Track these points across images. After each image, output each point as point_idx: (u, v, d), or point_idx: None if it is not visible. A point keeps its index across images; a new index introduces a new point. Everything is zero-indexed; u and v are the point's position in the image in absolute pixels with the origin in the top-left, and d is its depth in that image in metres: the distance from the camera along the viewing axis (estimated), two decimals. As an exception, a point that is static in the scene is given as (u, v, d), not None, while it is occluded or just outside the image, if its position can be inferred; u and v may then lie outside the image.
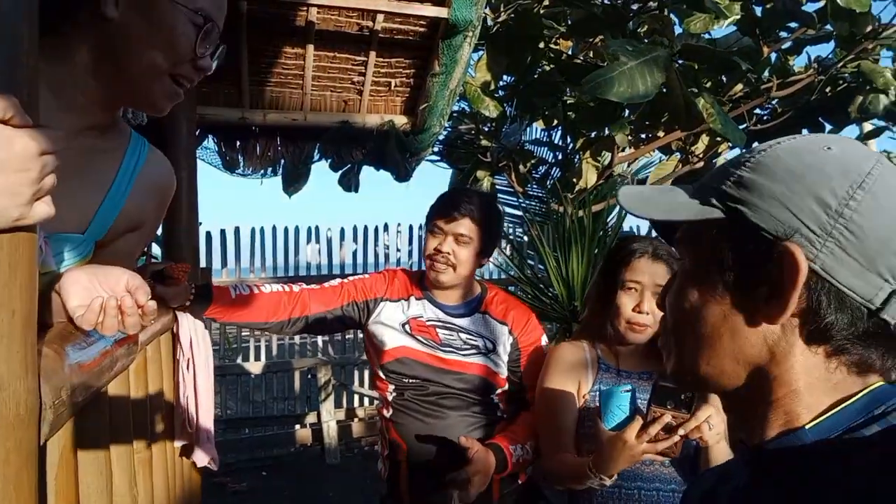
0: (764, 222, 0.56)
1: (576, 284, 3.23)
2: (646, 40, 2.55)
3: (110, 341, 1.02)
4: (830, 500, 0.52)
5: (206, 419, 1.87)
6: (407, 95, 3.31)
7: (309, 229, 6.48)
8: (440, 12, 2.77)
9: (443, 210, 1.89)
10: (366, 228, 6.72)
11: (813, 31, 3.06)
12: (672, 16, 3.34)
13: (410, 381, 1.93)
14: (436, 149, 4.42)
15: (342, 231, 6.64)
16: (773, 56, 3.79)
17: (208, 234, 5.94)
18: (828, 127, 4.50)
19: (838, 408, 0.57)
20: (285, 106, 3.20)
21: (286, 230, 6.42)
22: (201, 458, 1.87)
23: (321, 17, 2.85)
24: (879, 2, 3.24)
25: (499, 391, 1.95)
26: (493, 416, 1.93)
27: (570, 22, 3.40)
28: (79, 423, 0.99)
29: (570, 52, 4.00)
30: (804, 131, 4.56)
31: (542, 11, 3.52)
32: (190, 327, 1.85)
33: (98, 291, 0.87)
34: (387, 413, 2.00)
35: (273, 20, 2.81)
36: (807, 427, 0.58)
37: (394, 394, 1.96)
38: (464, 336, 1.93)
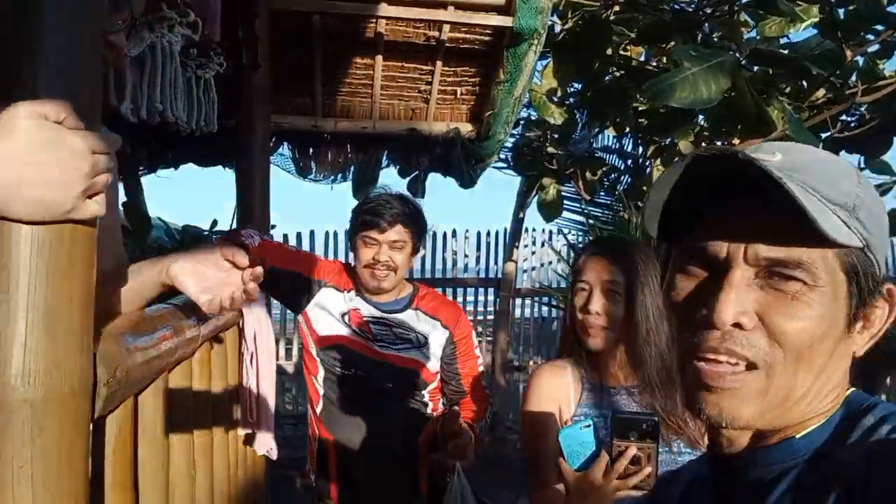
0: (878, 259, 0.58)
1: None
2: (712, 48, 2.48)
3: (169, 328, 1.11)
4: None
5: (267, 410, 1.97)
6: (472, 103, 3.36)
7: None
8: (505, 21, 2.81)
9: (372, 222, 1.93)
10: (434, 234, 6.81)
11: (901, 32, 2.88)
12: (749, 19, 3.23)
13: (344, 371, 2.00)
14: (502, 156, 4.44)
15: (416, 236, 6.75)
16: (861, 60, 3.58)
17: (285, 237, 6.19)
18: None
19: (825, 418, 0.59)
20: (355, 114, 3.32)
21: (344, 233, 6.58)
22: (261, 447, 1.98)
23: (390, 29, 2.94)
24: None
25: (430, 387, 2.03)
26: (423, 411, 2.01)
27: (639, 28, 3.34)
28: (140, 404, 1.09)
29: (641, 59, 3.93)
30: (895, 140, 4.27)
31: (611, 17, 3.48)
32: (255, 322, 1.95)
33: (207, 279, 1.13)
34: (317, 408, 2.07)
35: (344, 33, 2.93)
36: (798, 437, 0.59)
37: (323, 380, 2.03)
38: (397, 331, 2.00)
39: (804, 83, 3.35)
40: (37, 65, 0.67)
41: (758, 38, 3.22)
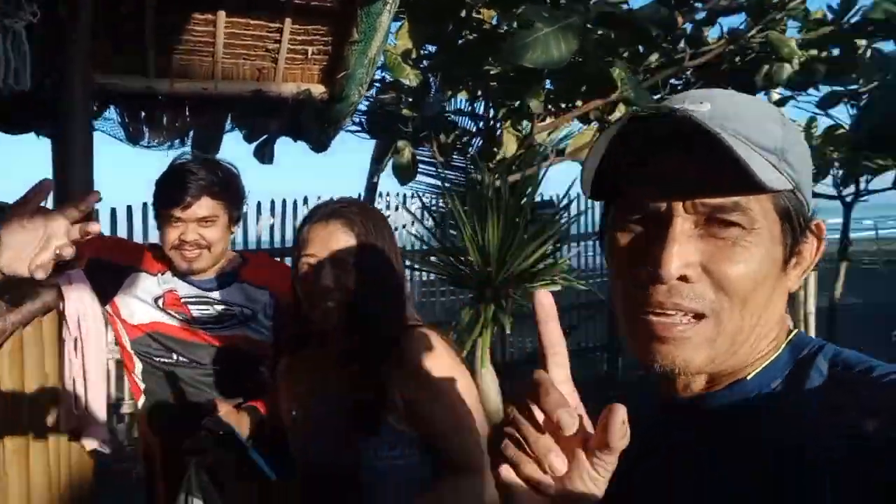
0: (808, 196, 0.60)
1: (491, 251, 3.27)
2: (560, 9, 2.57)
3: None
4: (783, 455, 0.55)
5: (97, 401, 1.77)
6: (325, 64, 3.19)
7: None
8: (358, -23, 2.68)
9: (173, 197, 1.70)
10: (284, 202, 6.51)
11: (726, 2, 3.17)
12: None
13: (164, 360, 1.82)
14: (356, 119, 4.32)
15: (258, 205, 6.40)
16: (689, 27, 3.91)
17: (113, 211, 5.58)
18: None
19: (772, 357, 0.61)
20: (195, 75, 3.02)
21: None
22: (91, 441, 1.78)
23: (231, -20, 2.69)
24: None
25: (268, 361, 1.81)
26: (261, 390, 1.80)
27: (490, -10, 3.37)
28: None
29: (493, 22, 3.97)
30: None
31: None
32: (78, 304, 1.72)
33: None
34: (139, 405, 1.90)
35: (178, -18, 2.63)
36: (749, 378, 0.61)
37: (142, 374, 1.86)
38: (219, 308, 1.82)
39: (640, 48, 3.59)
40: None
41: (603, 2, 3.39)
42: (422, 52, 3.88)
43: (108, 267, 1.78)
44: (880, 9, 3.11)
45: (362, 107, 4.24)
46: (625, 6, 3.21)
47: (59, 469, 1.68)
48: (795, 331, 0.64)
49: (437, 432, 1.21)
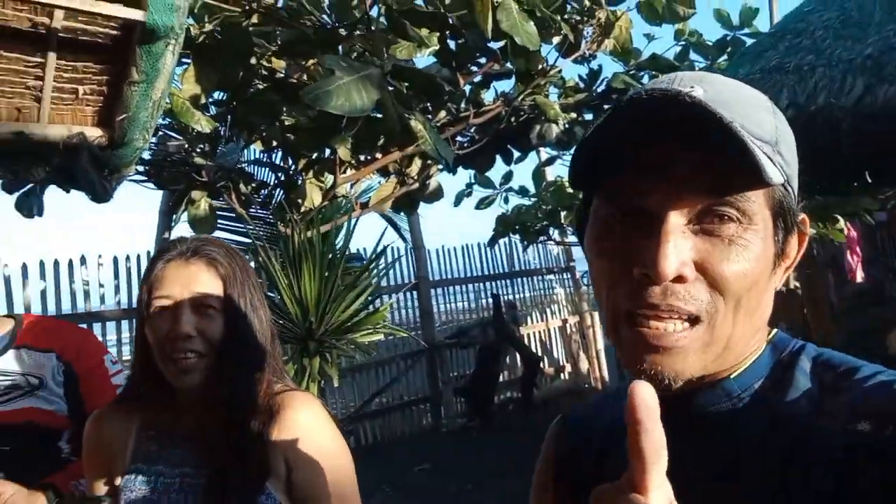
0: (795, 191, 0.58)
1: (309, 303, 3.20)
2: (358, 61, 2.66)
3: None
4: (770, 455, 0.53)
5: None
6: (100, 105, 2.92)
7: (-22, 267, 5.35)
8: (134, 14, 2.51)
9: None
10: (56, 263, 5.78)
11: (498, 66, 3.51)
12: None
13: None
14: (140, 168, 4.01)
15: (24, 267, 5.60)
16: (468, 88, 4.25)
17: None
18: (515, 153, 5.19)
19: (754, 357, 0.60)
20: (-68, 111, 2.59)
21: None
22: None
23: (-22, 7, 2.37)
24: (548, 45, 3.87)
25: (66, 434, 1.65)
26: (59, 465, 1.61)
27: (281, 41, 3.38)
28: None
29: (283, 73, 3.98)
30: (497, 157, 5.19)
31: (251, 28, 3.44)
32: None
33: None
34: None
35: None
36: (732, 377, 0.59)
37: None
38: None
39: (429, 105, 3.82)
40: None
41: (394, 58, 3.56)
42: (210, 99, 3.76)
43: None
44: (619, 80, 3.69)
45: (147, 155, 3.95)
46: (411, 64, 3.42)
47: None
48: (775, 330, 0.63)
49: None
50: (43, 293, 5.68)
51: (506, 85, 4.69)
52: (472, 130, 4.80)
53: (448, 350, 8.57)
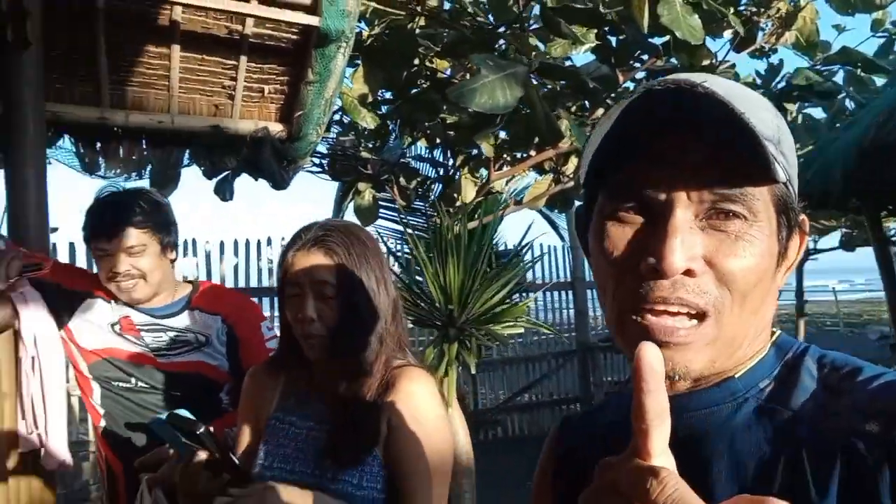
0: (795, 190, 0.58)
1: (453, 292, 3.32)
2: (506, 59, 2.70)
3: None
4: (775, 456, 0.53)
5: (56, 419, 1.76)
6: (282, 102, 3.28)
7: (185, 242, 6.21)
8: (311, 20, 2.79)
9: (99, 229, 1.75)
10: (248, 242, 6.53)
11: (661, 62, 3.35)
12: (539, 42, 3.54)
13: (122, 384, 1.83)
14: (316, 160, 4.40)
15: (222, 245, 6.41)
16: (632, 85, 4.10)
17: (71, 245, 5.55)
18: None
19: (759, 357, 0.60)
20: (150, 107, 3.07)
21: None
22: (51, 461, 1.75)
23: (186, 18, 2.78)
24: (720, 40, 3.61)
25: (226, 387, 1.86)
26: (217, 414, 1.81)
27: (443, 43, 3.52)
28: None
29: (447, 73, 4.13)
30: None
31: (416, 30, 3.62)
32: (32, 323, 1.73)
33: None
34: (99, 430, 1.90)
35: (134, 17, 2.71)
36: (736, 377, 0.59)
37: (101, 399, 1.87)
38: (172, 335, 1.86)
39: (587, 102, 3.75)
40: None
41: (547, 57, 3.55)
42: (378, 97, 4.01)
43: (63, 291, 1.80)
44: (802, 75, 3.31)
45: (323, 148, 4.33)
46: (569, 61, 3.38)
47: (18, 486, 1.65)
48: (778, 331, 0.63)
49: (405, 474, 1.17)
50: (235, 268, 6.45)
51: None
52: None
53: (602, 353, 8.36)
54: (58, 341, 1.78)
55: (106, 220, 1.73)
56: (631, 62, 3.44)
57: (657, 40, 3.13)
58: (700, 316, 0.54)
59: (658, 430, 0.43)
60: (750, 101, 0.55)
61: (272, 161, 3.50)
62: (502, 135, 4.00)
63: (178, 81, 2.99)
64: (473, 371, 3.46)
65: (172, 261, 1.88)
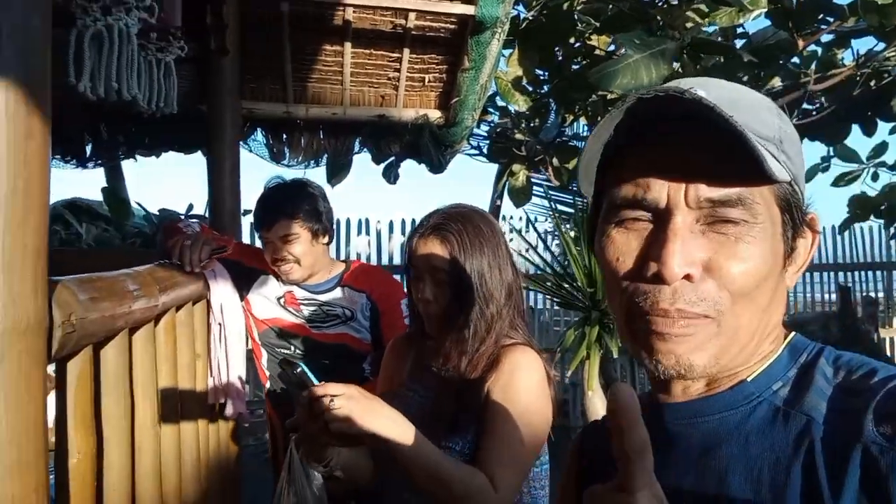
0: (804, 188, 0.58)
1: (597, 275, 3.30)
2: (655, 36, 2.60)
3: (127, 290, 1.21)
4: (787, 459, 0.53)
5: (237, 378, 2.08)
6: (440, 90, 3.45)
7: (360, 221, 6.73)
8: (468, 10, 2.90)
9: (259, 222, 1.98)
10: (413, 221, 6.92)
11: (848, 24, 3.01)
12: (704, 8, 3.35)
13: (283, 350, 2.09)
14: (474, 143, 4.54)
15: (391, 224, 6.85)
16: (820, 50, 3.72)
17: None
18: (881, 124, 4.35)
19: (772, 359, 0.59)
20: (326, 101, 3.40)
21: (338, 221, 6.69)
22: (231, 411, 2.09)
23: (357, 17, 3.03)
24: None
25: (369, 357, 2.04)
26: (360, 382, 1.95)
27: (602, 18, 3.45)
28: (102, 357, 1.19)
29: (611, 49, 4.05)
30: (854, 127, 4.43)
31: (577, 7, 3.59)
32: (221, 294, 2.05)
33: None
34: (266, 391, 2.16)
35: (313, 20, 3.01)
36: (749, 380, 0.58)
37: (267, 363, 2.13)
38: (325, 308, 2.06)
39: (760, 72, 3.48)
40: (-7, 40, 0.77)
41: (716, 27, 3.35)
42: (540, 76, 4.03)
43: (244, 268, 2.11)
44: None
45: (482, 132, 4.46)
46: (741, 29, 3.16)
47: (207, 433, 2.00)
48: (793, 333, 0.62)
49: (490, 437, 1.21)
50: (401, 246, 6.89)
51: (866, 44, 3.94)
52: (822, 98, 4.20)
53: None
54: (240, 311, 2.09)
55: (264, 213, 1.98)
56: (814, 24, 3.14)
57: (842, 0, 2.83)
58: (700, 318, 0.54)
59: (639, 465, 0.43)
60: (748, 103, 0.56)
61: (430, 146, 3.71)
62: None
63: (349, 76, 3.27)
64: (616, 355, 3.40)
65: (326, 244, 2.09)
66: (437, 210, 1.37)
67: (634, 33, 2.44)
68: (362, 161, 4.11)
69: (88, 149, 3.68)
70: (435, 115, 3.51)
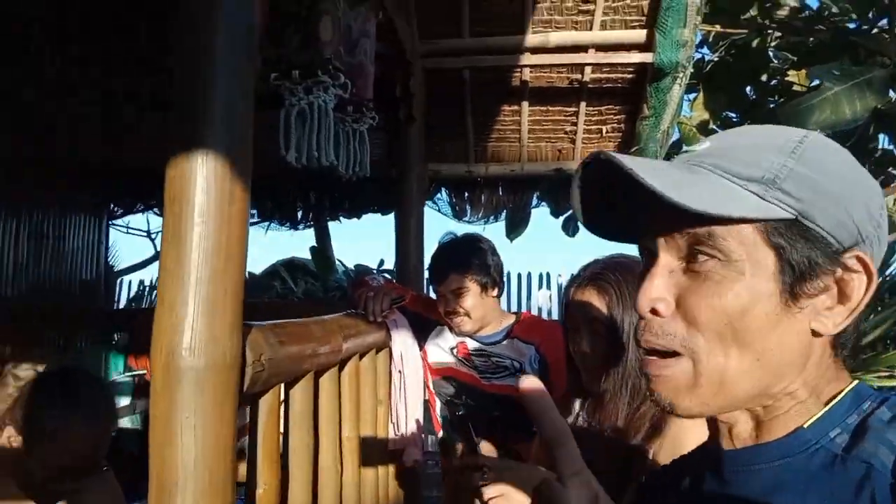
0: (829, 227, 0.54)
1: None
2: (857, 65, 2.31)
3: (315, 336, 1.34)
4: None
5: (414, 426, 2.16)
6: (619, 140, 3.39)
7: (540, 275, 6.72)
8: (645, 58, 2.85)
9: (432, 276, 2.06)
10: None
11: None
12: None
13: (455, 401, 2.11)
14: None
15: (571, 277, 6.75)
16: None
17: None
18: None
19: (832, 404, 0.57)
20: (505, 158, 3.52)
21: (518, 276, 6.75)
22: (408, 458, 2.17)
23: (534, 76, 3.12)
24: None
25: None
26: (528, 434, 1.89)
27: (800, 52, 3.19)
28: (291, 396, 1.32)
29: (810, 84, 3.71)
30: None
31: (770, 44, 3.37)
32: (402, 344, 2.17)
33: None
34: (439, 434, 2.19)
35: (492, 83, 3.16)
36: (805, 426, 0.57)
37: (440, 411, 2.16)
38: (495, 360, 2.07)
39: None
40: (207, 122, 0.93)
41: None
42: (732, 118, 3.80)
43: (422, 319, 2.24)
44: None
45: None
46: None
47: (387, 477, 2.11)
48: (855, 381, 0.59)
49: None
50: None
51: None
52: None
53: None
54: (419, 360, 2.18)
55: (437, 267, 2.07)
56: None
57: None
58: (669, 354, 0.57)
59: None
60: (743, 148, 0.57)
61: (612, 197, 3.64)
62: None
63: (526, 133, 3.36)
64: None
65: (496, 297, 2.13)
66: (595, 260, 1.33)
67: (833, 64, 2.21)
68: (541, 215, 4.15)
69: (300, 213, 4.18)
70: (614, 165, 3.44)
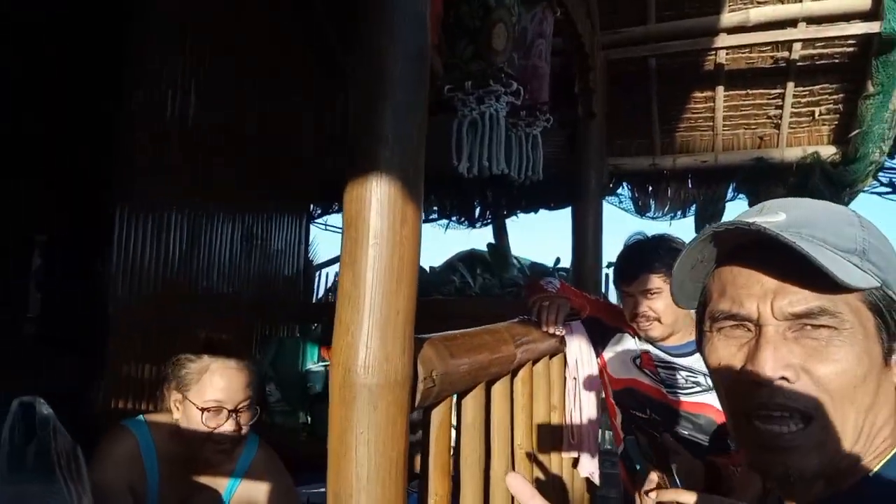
0: None
1: None
2: None
3: (486, 346, 1.33)
4: None
5: (589, 435, 2.09)
6: (836, 123, 2.96)
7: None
8: (870, 27, 2.45)
9: (621, 276, 1.89)
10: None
11: None
12: None
13: (639, 414, 1.94)
14: (884, 179, 3.75)
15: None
16: None
17: (605, 276, 6.23)
18: None
19: (890, 454, 0.60)
20: (695, 149, 3.25)
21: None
22: (584, 470, 2.09)
23: (730, 58, 2.84)
24: None
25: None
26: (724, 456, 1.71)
27: None
28: (463, 406, 1.33)
29: None
30: None
31: None
32: (577, 350, 2.10)
33: None
34: (619, 452, 1.91)
35: (681, 70, 2.93)
36: (871, 475, 0.59)
37: (622, 423, 2.00)
38: (684, 374, 1.89)
39: None
40: (381, 147, 0.96)
41: None
42: None
43: (601, 325, 2.15)
44: None
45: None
46: None
47: (561, 489, 2.08)
48: None
49: None
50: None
51: None
52: None
53: None
54: (595, 368, 2.08)
55: (626, 267, 1.91)
56: None
57: None
58: (806, 419, 0.58)
59: None
60: (827, 220, 0.61)
61: (822, 186, 3.19)
62: None
63: (721, 120, 3.07)
64: None
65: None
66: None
67: None
68: (738, 209, 3.78)
69: (477, 211, 4.25)
70: (828, 151, 3.02)
